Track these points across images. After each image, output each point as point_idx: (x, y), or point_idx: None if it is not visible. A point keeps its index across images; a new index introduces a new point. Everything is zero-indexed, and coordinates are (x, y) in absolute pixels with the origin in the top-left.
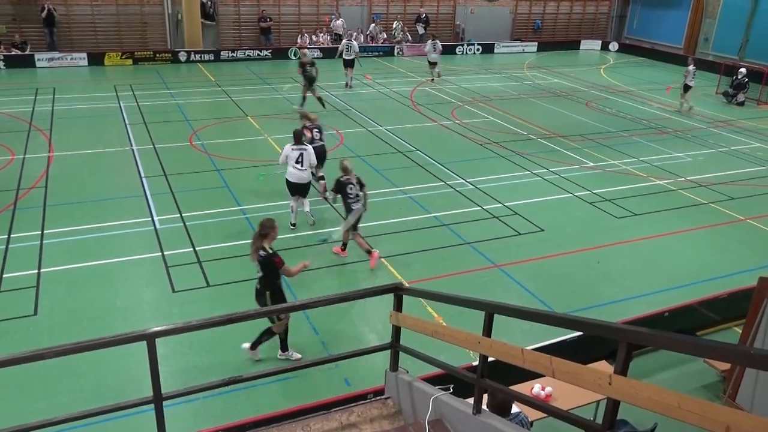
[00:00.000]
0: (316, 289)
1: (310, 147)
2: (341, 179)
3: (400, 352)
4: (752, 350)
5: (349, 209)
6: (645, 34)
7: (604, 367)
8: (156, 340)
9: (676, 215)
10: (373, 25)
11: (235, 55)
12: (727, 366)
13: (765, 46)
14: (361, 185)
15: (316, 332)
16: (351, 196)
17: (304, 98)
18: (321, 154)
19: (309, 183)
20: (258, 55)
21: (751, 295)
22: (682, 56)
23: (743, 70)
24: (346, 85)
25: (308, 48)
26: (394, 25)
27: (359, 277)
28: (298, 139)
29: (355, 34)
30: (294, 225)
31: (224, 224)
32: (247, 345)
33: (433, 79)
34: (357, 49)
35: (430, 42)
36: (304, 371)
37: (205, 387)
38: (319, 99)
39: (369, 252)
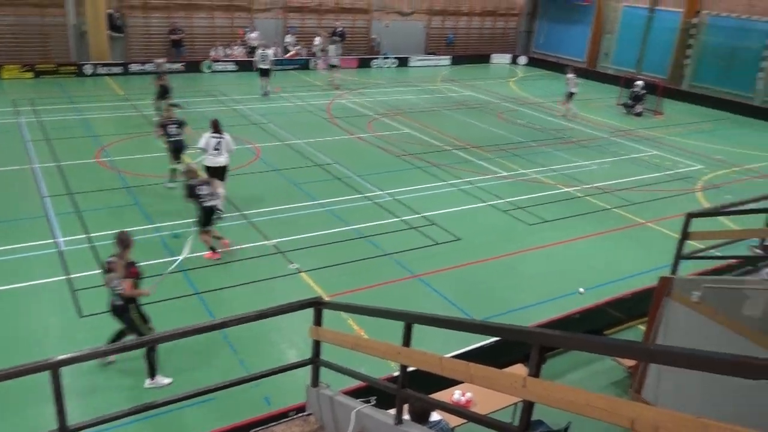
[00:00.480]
0: (233, 306)
1: (227, 135)
2: (190, 183)
3: (322, 367)
4: (652, 347)
5: (203, 210)
6: (551, 49)
7: (520, 370)
8: (61, 369)
9: (583, 220)
10: (289, 36)
11: (144, 68)
12: (632, 362)
13: (659, 60)
14: (209, 183)
15: (234, 351)
16: (203, 196)
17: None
18: (179, 149)
19: (226, 167)
20: (169, 68)
21: (653, 294)
22: (585, 70)
23: (640, 82)
24: (264, 94)
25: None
26: (316, 42)
27: (278, 293)
28: (215, 127)
29: (270, 47)
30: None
31: (136, 243)
32: (148, 380)
33: (333, 81)
34: (272, 58)
35: (333, 47)
36: (223, 392)
37: (116, 416)
38: (173, 106)
39: (212, 249)
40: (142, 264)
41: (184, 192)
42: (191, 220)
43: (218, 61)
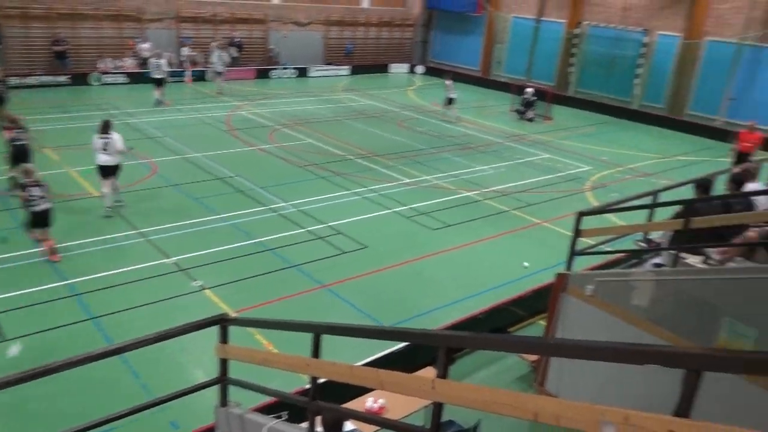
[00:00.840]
0: (133, 330)
1: (115, 134)
2: (22, 182)
3: (230, 386)
4: (550, 341)
5: (32, 213)
6: (447, 58)
7: (429, 373)
8: None
9: (483, 223)
10: (186, 48)
11: (25, 81)
12: (535, 357)
13: (547, 68)
14: (42, 186)
15: (136, 376)
16: (34, 198)
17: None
18: (23, 154)
19: (117, 165)
20: (54, 81)
21: (550, 291)
22: (480, 78)
23: (530, 89)
24: (159, 103)
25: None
26: (215, 57)
27: (181, 312)
28: (104, 128)
29: (163, 56)
30: (108, 209)
31: (15, 270)
32: None
33: (219, 88)
34: (165, 68)
35: (217, 54)
36: (127, 420)
37: None
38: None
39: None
40: (23, 292)
41: (17, 191)
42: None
43: (107, 73)
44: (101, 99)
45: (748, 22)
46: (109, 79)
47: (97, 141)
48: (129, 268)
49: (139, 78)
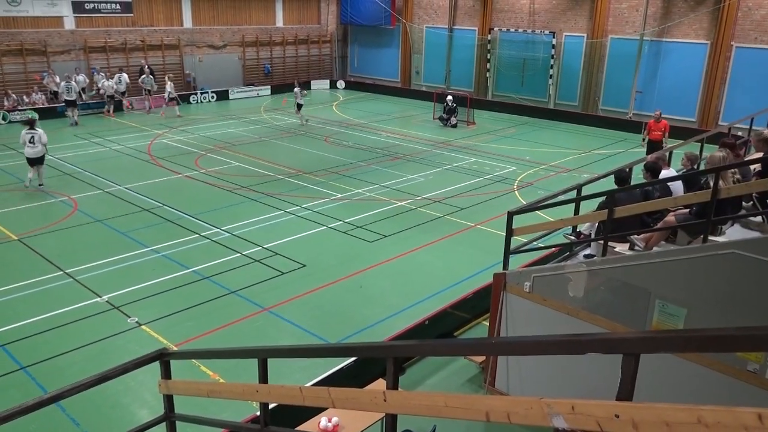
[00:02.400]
0: (69, 375)
1: (41, 130)
2: None
3: (177, 422)
4: (493, 340)
5: None
6: (366, 72)
7: (380, 385)
8: None
9: (419, 231)
10: (100, 76)
11: None
12: (482, 357)
13: (464, 74)
14: None
15: (76, 424)
16: None
17: None
18: None
19: (43, 156)
20: None
21: (491, 291)
22: (401, 88)
23: (450, 97)
24: (74, 123)
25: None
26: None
27: (119, 352)
28: (31, 124)
29: (73, 77)
30: (27, 186)
31: None
32: None
33: (108, 111)
34: (77, 88)
35: (111, 82)
36: None
37: None
38: None
39: None
40: None
41: None
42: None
43: (14, 110)
44: (9, 138)
45: (645, 18)
46: (17, 116)
47: (26, 135)
48: (58, 311)
49: (50, 113)
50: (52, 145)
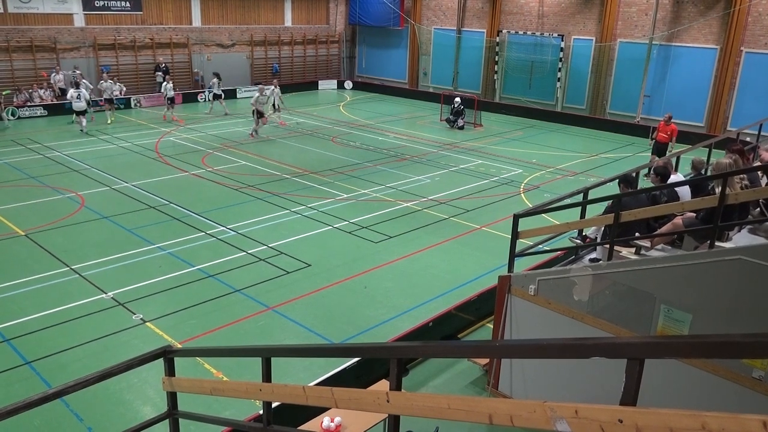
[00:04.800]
0: (74, 371)
1: (83, 90)
2: None
3: (181, 419)
4: (498, 343)
5: None
6: (374, 72)
7: (383, 386)
8: None
9: (424, 232)
10: (106, 76)
11: None
12: (486, 360)
13: (472, 76)
14: None
15: (80, 420)
16: None
17: None
18: None
19: (86, 110)
20: None
21: (495, 294)
22: (408, 90)
23: (458, 99)
24: (83, 131)
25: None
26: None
27: (123, 348)
28: (76, 85)
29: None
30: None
31: None
32: None
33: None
34: (87, 97)
35: (108, 83)
36: None
37: None
38: None
39: None
40: None
41: None
42: None
43: (23, 106)
44: (18, 134)
45: (655, 23)
46: (25, 112)
47: (73, 92)
48: (64, 307)
49: (57, 109)
50: (57, 141)
